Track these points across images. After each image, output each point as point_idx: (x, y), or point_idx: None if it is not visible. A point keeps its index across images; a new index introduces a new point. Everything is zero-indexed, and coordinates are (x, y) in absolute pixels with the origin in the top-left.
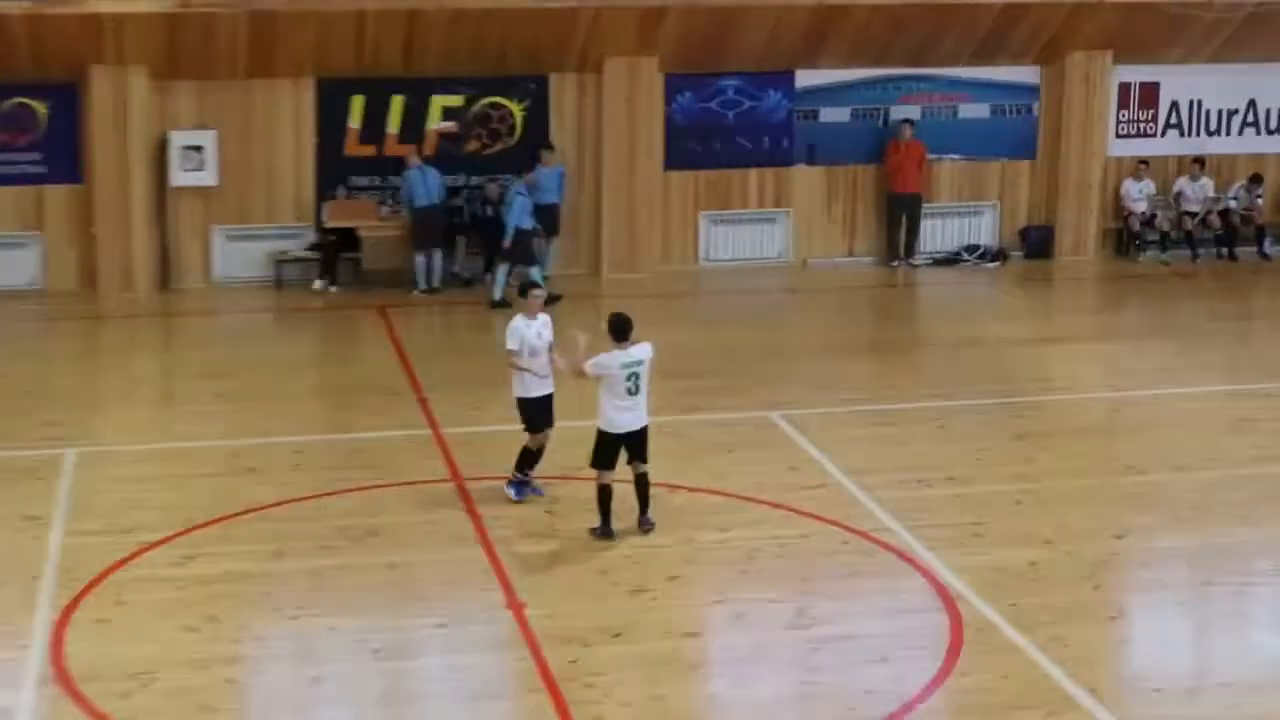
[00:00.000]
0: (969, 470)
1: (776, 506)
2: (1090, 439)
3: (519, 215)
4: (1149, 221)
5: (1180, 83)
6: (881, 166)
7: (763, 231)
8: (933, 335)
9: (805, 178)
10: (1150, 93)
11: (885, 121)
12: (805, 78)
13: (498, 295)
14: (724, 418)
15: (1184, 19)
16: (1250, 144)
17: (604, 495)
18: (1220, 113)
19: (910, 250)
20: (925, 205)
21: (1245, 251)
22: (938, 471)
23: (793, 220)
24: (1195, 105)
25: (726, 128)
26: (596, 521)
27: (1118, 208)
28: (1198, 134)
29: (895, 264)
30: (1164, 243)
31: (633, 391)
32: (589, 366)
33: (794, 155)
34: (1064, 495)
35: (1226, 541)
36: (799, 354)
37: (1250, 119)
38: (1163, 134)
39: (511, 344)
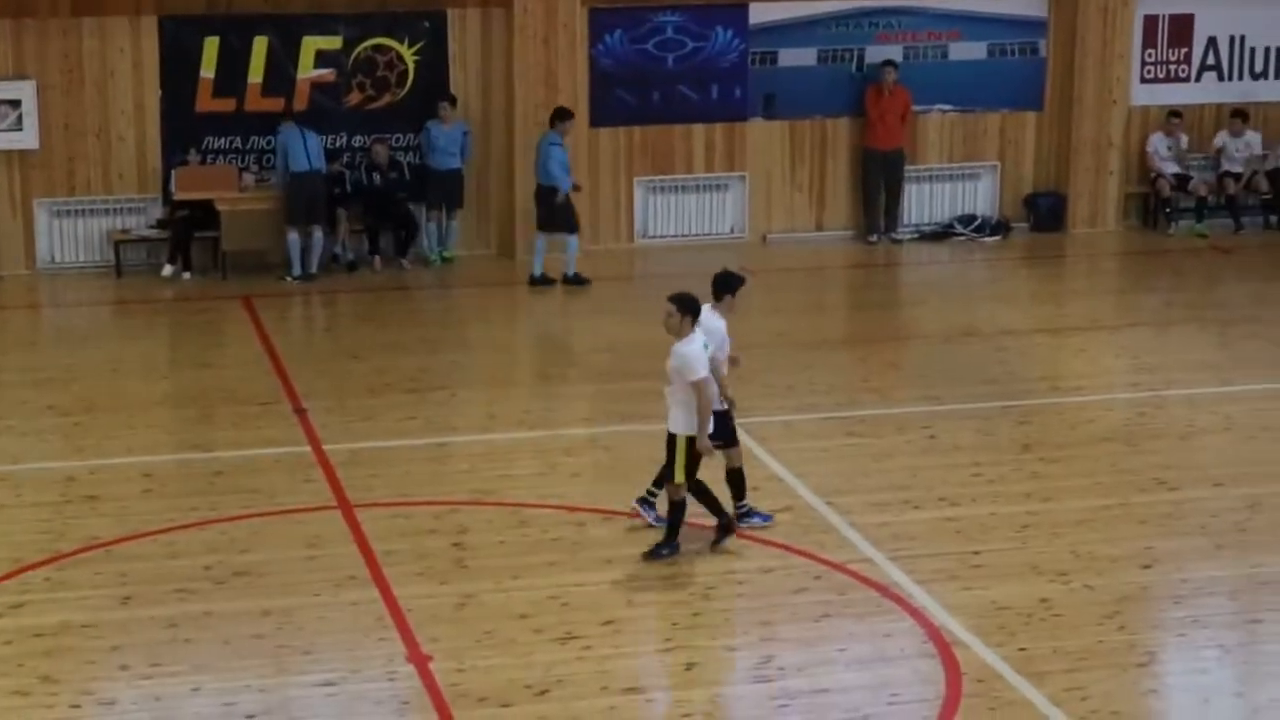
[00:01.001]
0: (964, 489)
1: (735, 534)
2: (1110, 449)
3: (561, 172)
4: (1182, 185)
5: (1219, 15)
6: (856, 120)
7: (711, 201)
8: (919, 326)
9: (763, 135)
10: (1183, 27)
11: (859, 65)
12: (761, 12)
13: (538, 270)
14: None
15: None
16: None
17: (683, 512)
18: (1267, 51)
19: (892, 222)
20: (909, 167)
21: None
22: (927, 491)
23: (748, 187)
24: (1237, 42)
25: (666, 74)
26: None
27: (1144, 169)
28: (1240, 78)
29: (874, 239)
30: (1200, 210)
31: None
32: (697, 374)
33: (749, 107)
34: (1080, 518)
35: (1276, 573)
36: (757, 350)
37: None
38: (1198, 78)
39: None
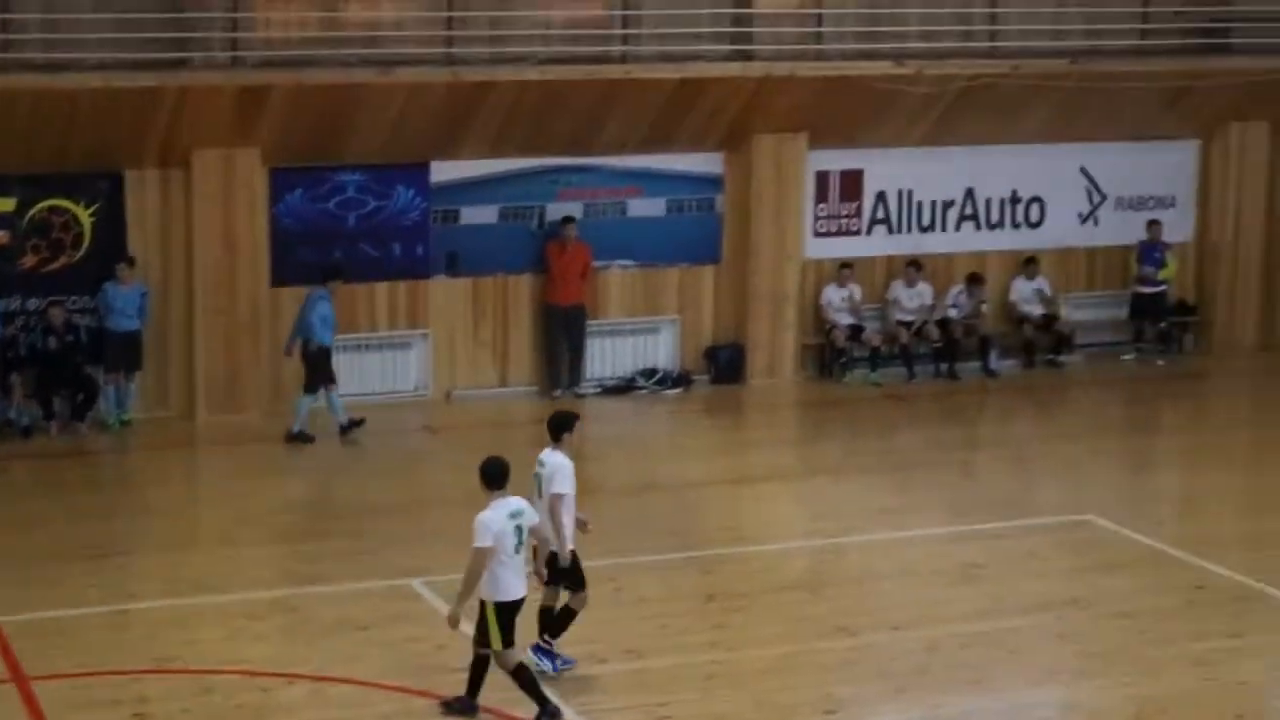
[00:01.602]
0: (650, 641)
1: (421, 694)
2: (792, 597)
3: (321, 327)
4: (855, 335)
5: (887, 170)
6: (538, 276)
7: (396, 359)
8: (603, 479)
9: (446, 292)
10: (853, 182)
11: (541, 222)
12: (442, 170)
13: (296, 427)
14: (354, 588)
15: (889, 95)
16: (969, 240)
17: (529, 674)
18: (934, 205)
19: (575, 377)
20: (591, 322)
21: (968, 368)
22: (612, 644)
23: (432, 344)
24: (905, 196)
25: (348, 233)
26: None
27: (819, 320)
28: (909, 230)
29: (557, 394)
30: (874, 360)
31: (518, 549)
32: (477, 537)
33: (431, 265)
34: (763, 666)
35: (955, 713)
36: (444, 508)
37: (969, 211)
38: (869, 231)
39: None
